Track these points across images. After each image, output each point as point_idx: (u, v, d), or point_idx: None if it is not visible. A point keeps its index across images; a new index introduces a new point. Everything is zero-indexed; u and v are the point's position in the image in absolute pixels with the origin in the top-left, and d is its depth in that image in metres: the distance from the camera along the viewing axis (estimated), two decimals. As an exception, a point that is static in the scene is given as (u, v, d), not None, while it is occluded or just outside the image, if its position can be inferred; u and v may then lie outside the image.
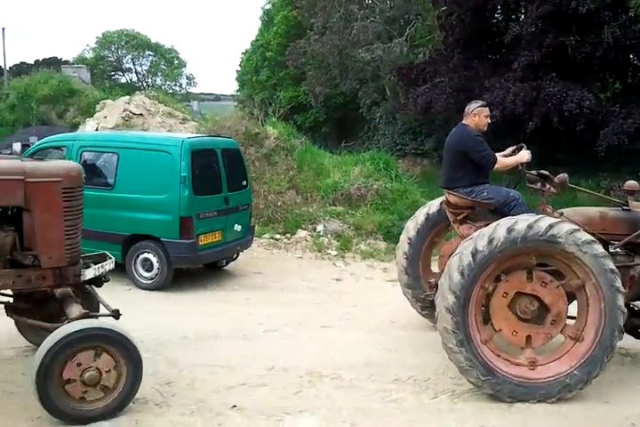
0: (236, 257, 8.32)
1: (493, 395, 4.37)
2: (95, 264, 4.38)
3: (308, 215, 9.78)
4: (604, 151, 17.83)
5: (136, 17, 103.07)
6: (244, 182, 8.40)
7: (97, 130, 12.70)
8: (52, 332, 3.84)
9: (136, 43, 50.21)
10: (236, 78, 41.84)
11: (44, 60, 47.14)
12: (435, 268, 5.98)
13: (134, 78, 52.49)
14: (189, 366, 4.83)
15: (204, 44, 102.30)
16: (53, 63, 37.08)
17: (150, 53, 51.59)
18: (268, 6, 37.01)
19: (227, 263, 8.44)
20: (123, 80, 51.74)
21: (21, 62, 50.66)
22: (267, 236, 9.52)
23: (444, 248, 5.69)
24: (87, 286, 4.45)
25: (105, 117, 13.13)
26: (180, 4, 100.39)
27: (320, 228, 9.68)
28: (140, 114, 12.89)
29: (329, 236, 9.56)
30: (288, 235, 9.62)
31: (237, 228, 7.93)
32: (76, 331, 3.70)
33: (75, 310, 4.01)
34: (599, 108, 18.32)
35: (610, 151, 17.72)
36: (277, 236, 9.58)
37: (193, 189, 7.23)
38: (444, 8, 21.34)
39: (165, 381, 4.53)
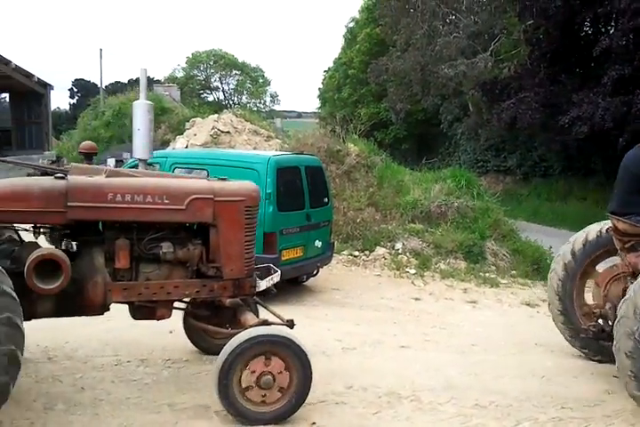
0: (317, 273, 8.42)
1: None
2: (266, 276, 4.74)
3: (386, 233, 9.78)
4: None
5: (224, 37, 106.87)
6: (326, 199, 8.51)
7: (186, 147, 13.22)
8: (227, 337, 4.37)
9: (224, 62, 52.00)
10: (318, 96, 42.56)
11: (137, 79, 49.34)
12: (588, 294, 5.85)
13: (221, 96, 54.31)
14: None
15: (287, 62, 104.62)
16: (146, 82, 38.75)
17: (237, 72, 53.26)
18: (352, 24, 37.50)
19: (307, 279, 8.55)
20: (210, 98, 53.64)
21: (116, 81, 53.54)
22: (345, 252, 9.58)
23: (601, 276, 5.54)
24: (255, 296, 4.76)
25: (194, 135, 13.67)
26: (266, 24, 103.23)
27: (399, 245, 9.65)
28: (228, 131, 13.34)
29: (408, 254, 9.51)
30: (367, 252, 9.65)
31: (318, 244, 8.03)
32: (256, 336, 3.97)
33: (251, 317, 4.38)
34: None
35: None
36: (356, 253, 9.63)
37: (277, 206, 7.41)
38: (531, 22, 20.93)
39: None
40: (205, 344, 5.25)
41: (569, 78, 21.68)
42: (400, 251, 9.59)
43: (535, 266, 9.72)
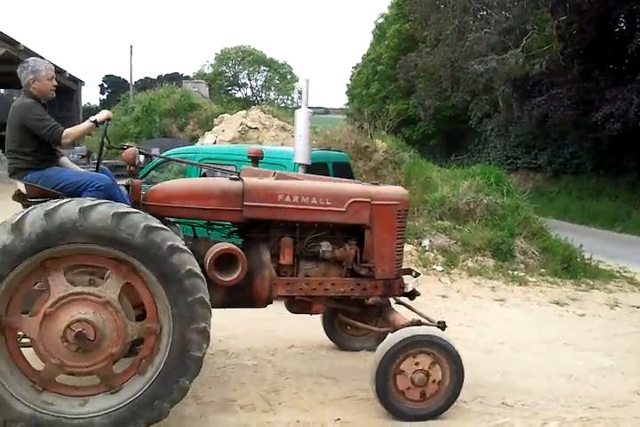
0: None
1: None
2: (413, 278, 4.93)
3: (413, 229, 9.70)
4: None
5: (253, 34, 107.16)
6: (353, 196, 8.47)
7: (215, 143, 13.31)
8: (366, 334, 5.27)
9: (252, 58, 52.24)
10: (346, 92, 42.51)
11: (166, 75, 50.02)
12: None
13: (249, 93, 54.55)
14: (296, 376, 4.93)
15: (315, 58, 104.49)
16: (175, 78, 39.22)
17: (265, 68, 53.45)
18: (381, 20, 37.34)
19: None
20: (238, 95, 53.94)
21: (146, 77, 54.05)
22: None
23: None
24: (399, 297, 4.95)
25: (223, 131, 13.73)
26: (294, 20, 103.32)
27: (426, 242, 9.57)
28: (256, 128, 13.37)
29: (435, 251, 9.43)
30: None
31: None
32: (414, 335, 4.17)
33: (400, 317, 4.60)
34: None
35: None
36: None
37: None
38: (564, 17, 20.59)
39: (272, 389, 4.65)
40: (341, 340, 5.59)
41: (602, 75, 21.29)
42: (427, 248, 9.51)
43: (565, 264, 9.55)
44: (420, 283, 8.37)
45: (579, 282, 9.22)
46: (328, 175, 7.98)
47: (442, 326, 4.50)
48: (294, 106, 50.12)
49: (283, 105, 45.62)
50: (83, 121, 4.47)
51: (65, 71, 24.65)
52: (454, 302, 7.66)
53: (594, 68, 21.55)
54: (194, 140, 18.31)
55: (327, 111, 48.90)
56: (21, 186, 4.18)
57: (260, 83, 54.43)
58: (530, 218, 10.62)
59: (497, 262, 9.37)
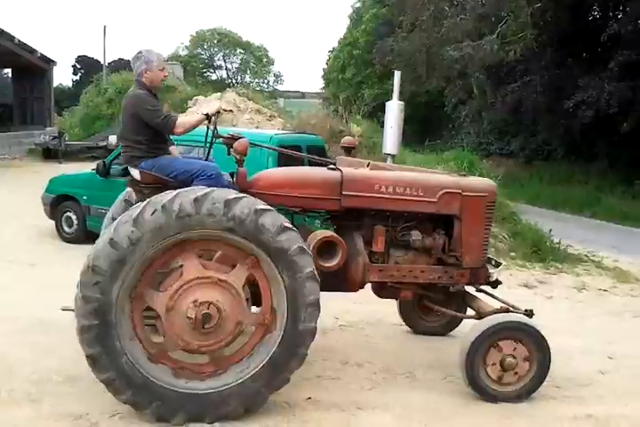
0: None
1: None
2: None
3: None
4: None
5: (228, 16, 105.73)
6: (327, 180, 8.49)
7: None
8: (440, 320, 5.64)
9: (228, 41, 51.56)
10: (322, 76, 42.29)
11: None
12: None
13: (225, 75, 53.96)
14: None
15: (292, 42, 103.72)
16: (149, 60, 38.39)
17: (241, 51, 52.84)
18: (358, 4, 37.15)
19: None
20: (214, 77, 53.28)
21: (119, 58, 52.95)
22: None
23: None
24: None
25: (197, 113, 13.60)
26: (271, 3, 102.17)
27: (399, 227, 9.64)
28: (231, 110, 13.29)
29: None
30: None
31: (318, 223, 8.03)
32: (505, 321, 4.35)
33: (486, 304, 4.81)
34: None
35: None
36: (357, 233, 9.59)
37: (278, 184, 7.38)
38: (539, 5, 20.70)
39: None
40: (415, 324, 5.83)
41: (575, 62, 21.53)
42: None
43: (535, 248, 9.70)
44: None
45: (547, 266, 9.38)
46: (302, 159, 8.00)
47: (529, 313, 4.63)
48: (270, 89, 49.84)
49: (258, 88, 45.20)
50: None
51: (36, 51, 24.12)
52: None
53: (567, 56, 21.78)
54: (168, 122, 18.08)
55: (303, 95, 48.58)
56: (135, 173, 4.36)
57: (235, 65, 53.86)
58: (501, 203, 10.72)
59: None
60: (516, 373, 4.35)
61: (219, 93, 14.68)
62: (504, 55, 22.79)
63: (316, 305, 3.84)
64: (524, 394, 4.40)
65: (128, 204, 4.56)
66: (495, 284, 4.94)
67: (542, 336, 4.36)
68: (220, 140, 4.58)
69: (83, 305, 3.55)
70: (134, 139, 4.31)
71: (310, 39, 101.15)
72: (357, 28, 35.13)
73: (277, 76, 54.00)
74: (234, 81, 51.44)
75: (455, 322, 5.72)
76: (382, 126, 17.59)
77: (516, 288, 7.99)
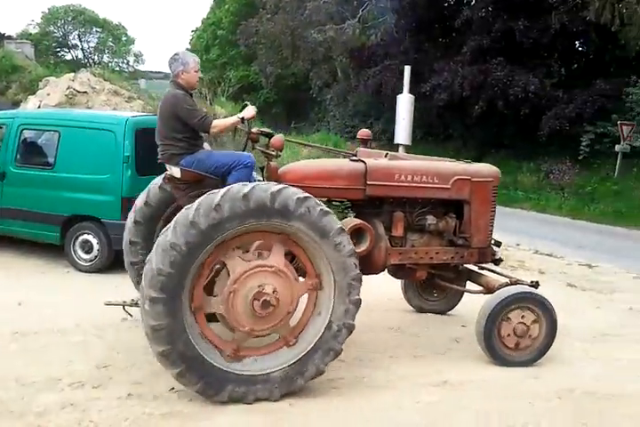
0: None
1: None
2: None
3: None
4: (546, 135, 18.31)
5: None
6: (189, 163, 8.29)
7: (39, 107, 12.32)
8: (442, 299, 6.09)
9: (83, 19, 48.44)
10: (186, 56, 40.99)
11: (-14, 33, 45.08)
12: None
13: (80, 55, 50.84)
14: (128, 350, 4.78)
15: (153, 20, 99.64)
16: (-6, 37, 35.47)
17: (98, 30, 49.96)
18: (221, -17, 36.29)
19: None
20: (68, 57, 49.98)
21: (-40, 35, 48.39)
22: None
23: None
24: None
25: (48, 95, 12.76)
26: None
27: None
28: (85, 92, 12.56)
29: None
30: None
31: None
32: (514, 293, 4.75)
33: (493, 279, 5.17)
34: (543, 93, 18.77)
35: (552, 135, 18.23)
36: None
37: (136, 170, 7.07)
38: (397, -10, 21.38)
39: (102, 364, 4.49)
40: (419, 304, 6.18)
41: (432, 47, 22.48)
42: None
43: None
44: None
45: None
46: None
47: (535, 284, 5.01)
48: (131, 70, 47.71)
49: (117, 69, 43.12)
50: None
51: None
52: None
53: (424, 41, 22.68)
54: (16, 104, 16.81)
55: (167, 76, 47.07)
56: (175, 170, 4.53)
57: (92, 44, 50.88)
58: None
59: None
60: (526, 338, 4.77)
61: (72, 74, 13.79)
62: (365, 39, 23.38)
63: (359, 279, 4.15)
64: (533, 358, 4.85)
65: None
66: (498, 261, 5.38)
67: (549, 303, 4.80)
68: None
69: (155, 277, 3.71)
70: (174, 136, 4.47)
71: (172, 18, 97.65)
72: (221, 7, 34.42)
73: (138, 56, 51.70)
74: (90, 61, 48.64)
75: (455, 301, 6.13)
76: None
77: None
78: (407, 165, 4.98)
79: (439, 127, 22.95)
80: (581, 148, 18.05)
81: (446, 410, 4.03)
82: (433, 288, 6.07)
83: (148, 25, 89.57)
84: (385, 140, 25.70)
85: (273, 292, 3.97)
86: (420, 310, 6.17)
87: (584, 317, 6.39)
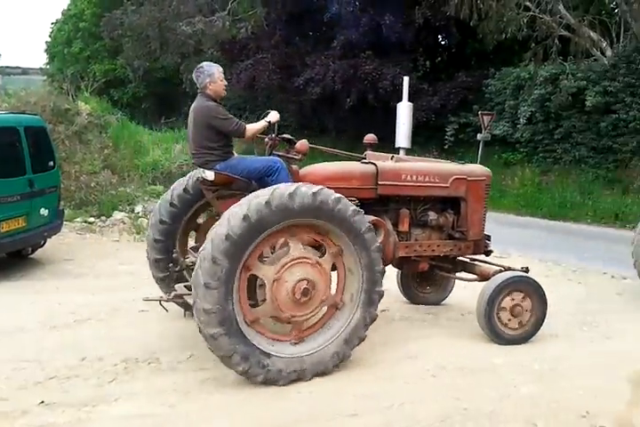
0: (44, 244, 7.80)
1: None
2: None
3: (125, 196, 9.37)
4: (413, 127, 19.08)
5: None
6: (52, 163, 7.88)
7: None
8: (431, 292, 6.54)
9: None
10: (46, 50, 38.52)
11: None
12: None
13: None
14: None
15: (8, 12, 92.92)
16: None
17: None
18: (80, -27, 34.40)
19: (33, 251, 7.91)
20: None
21: None
22: (79, 219, 8.97)
23: None
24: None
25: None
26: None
27: (139, 208, 9.33)
28: None
29: (148, 217, 9.23)
30: (103, 217, 9.14)
31: (44, 212, 7.41)
32: (510, 277, 5.22)
33: (486, 267, 5.62)
34: (410, 86, 19.48)
35: (419, 126, 19.01)
36: (91, 219, 9.06)
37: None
38: (265, -17, 21.31)
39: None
40: (413, 296, 6.55)
41: (303, 41, 22.65)
42: (140, 214, 9.27)
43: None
44: (136, 249, 8.16)
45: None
46: (19, 141, 7.27)
47: (526, 270, 5.48)
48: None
49: (-30, 63, 39.80)
50: None
51: None
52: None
53: (295, 35, 22.80)
54: None
55: (25, 71, 43.98)
56: (209, 174, 4.77)
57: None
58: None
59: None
60: (522, 318, 5.23)
61: None
62: (236, 32, 23.14)
63: (383, 272, 4.62)
64: (528, 335, 5.31)
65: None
66: (489, 252, 5.85)
67: (540, 286, 5.29)
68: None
69: (210, 265, 4.01)
70: (209, 145, 4.73)
71: (31, 10, 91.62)
72: (82, -2, 32.66)
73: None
74: (-62, 54, 44.56)
75: (446, 293, 6.57)
76: (114, 104, 16.80)
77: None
78: (412, 167, 5.47)
79: (314, 120, 23.24)
80: (446, 137, 19.05)
81: (325, 396, 4.10)
82: (426, 281, 6.52)
83: (3, 19, 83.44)
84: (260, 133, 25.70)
85: (311, 281, 4.35)
86: (414, 302, 6.53)
87: (452, 296, 6.72)
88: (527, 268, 5.58)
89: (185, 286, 5.07)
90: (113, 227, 8.93)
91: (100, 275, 7.23)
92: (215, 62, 5.14)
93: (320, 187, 4.34)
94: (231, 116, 4.77)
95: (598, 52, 16.70)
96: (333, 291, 4.63)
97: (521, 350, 5.15)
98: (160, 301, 5.08)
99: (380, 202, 5.29)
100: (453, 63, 21.83)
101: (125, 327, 5.44)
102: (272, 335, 4.42)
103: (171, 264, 5.35)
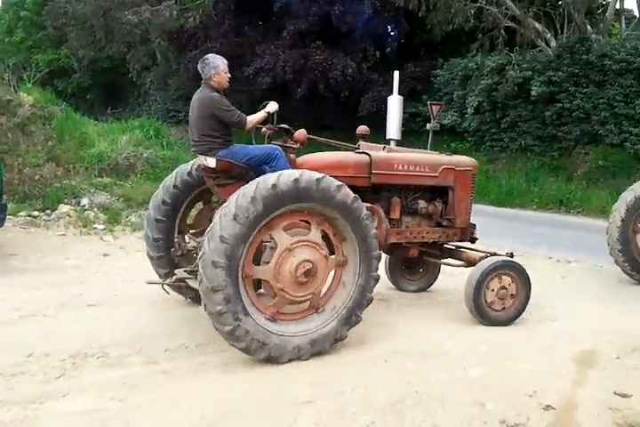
0: (-14, 240, 7.54)
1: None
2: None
3: (70, 189, 9.12)
4: (365, 117, 19.19)
5: None
6: (-8, 156, 7.61)
7: None
8: (418, 279, 6.78)
9: None
10: (-15, 39, 37.16)
11: None
12: None
13: None
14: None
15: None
16: None
17: None
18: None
19: (-25, 247, 7.60)
20: None
21: None
22: (23, 213, 8.68)
23: None
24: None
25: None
26: None
27: (85, 201, 9.10)
28: None
29: (95, 209, 9.02)
30: (48, 211, 8.87)
31: None
32: (495, 262, 5.47)
33: (473, 253, 5.88)
34: (360, 76, 19.59)
35: (370, 116, 19.12)
36: (35, 213, 8.78)
37: None
38: (213, -28, 21.00)
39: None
40: (400, 283, 6.76)
41: (252, 31, 22.44)
42: (87, 207, 9.05)
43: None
44: (84, 242, 8.03)
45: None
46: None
47: (511, 254, 5.79)
48: None
49: None
50: None
51: None
52: (117, 260, 7.46)
53: (244, 24, 22.58)
54: None
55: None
56: (211, 161, 4.94)
57: None
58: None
59: (161, 215, 9.42)
60: (507, 300, 5.51)
61: None
62: (184, 22, 22.75)
63: (379, 257, 4.80)
64: (514, 316, 5.58)
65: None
66: (475, 239, 6.10)
67: (524, 269, 5.57)
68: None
69: (218, 243, 4.17)
70: (212, 134, 4.90)
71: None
72: (22, -14, 31.53)
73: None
74: None
75: (432, 280, 6.82)
76: (58, 94, 16.30)
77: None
78: (403, 157, 5.70)
79: (264, 110, 23.06)
80: (397, 127, 19.17)
81: (278, 383, 4.11)
82: (414, 269, 6.76)
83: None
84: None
85: (313, 263, 4.51)
86: (403, 290, 6.73)
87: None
88: (512, 253, 5.87)
89: (185, 271, 5.30)
90: (58, 220, 8.68)
91: (46, 270, 7.02)
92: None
93: (323, 175, 4.51)
94: (233, 107, 4.92)
95: (543, 43, 17.08)
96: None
97: (470, 333, 5.28)
98: (162, 284, 5.39)
99: (372, 190, 5.49)
100: (403, 54, 21.99)
101: (73, 322, 5.29)
102: (273, 314, 4.56)
103: (173, 249, 5.58)
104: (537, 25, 17.03)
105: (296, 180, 4.36)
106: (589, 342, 5.08)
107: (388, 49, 23.20)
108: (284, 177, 4.35)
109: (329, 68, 19.16)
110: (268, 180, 4.33)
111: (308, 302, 4.73)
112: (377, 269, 4.79)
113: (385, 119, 18.99)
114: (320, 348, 4.58)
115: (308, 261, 4.52)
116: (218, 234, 4.19)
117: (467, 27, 16.69)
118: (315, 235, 4.62)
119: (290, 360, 4.45)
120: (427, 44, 21.87)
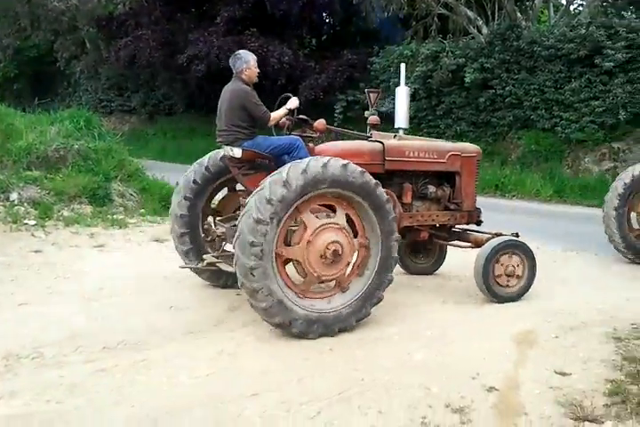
0: None
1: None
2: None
3: (-2, 183, 8.70)
4: (303, 105, 19.10)
5: None
6: None
7: None
8: (427, 262, 7.06)
9: None
10: None
11: None
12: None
13: None
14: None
15: None
16: None
17: None
18: None
19: None
20: None
21: None
22: (-53, 210, 8.24)
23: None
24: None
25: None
26: None
27: (14, 196, 8.69)
28: None
29: (25, 204, 8.61)
30: (-25, 207, 8.45)
31: None
32: (503, 241, 5.76)
33: (479, 235, 6.20)
34: (297, 64, 19.46)
35: (308, 104, 19.03)
36: (-41, 210, 8.35)
37: None
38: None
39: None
40: (408, 265, 7.01)
41: (185, 18, 21.95)
42: (16, 202, 8.64)
43: (163, 203, 9.80)
44: (14, 239, 7.68)
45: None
46: None
47: (516, 235, 6.04)
48: None
49: None
50: None
51: None
52: (50, 256, 7.13)
53: (177, 11, 22.05)
54: None
55: None
56: (237, 151, 5.24)
57: None
58: (125, 160, 10.54)
59: (95, 208, 9.11)
60: (514, 277, 5.78)
61: None
62: (113, 8, 22.05)
63: (398, 239, 5.09)
64: (522, 292, 5.87)
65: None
66: (480, 222, 6.37)
67: (530, 249, 5.88)
68: None
69: (254, 225, 4.46)
70: (240, 124, 5.20)
71: None
72: None
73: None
74: None
75: (439, 263, 7.04)
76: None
77: (147, 244, 7.99)
78: (413, 144, 6.02)
79: (201, 99, 22.67)
80: (335, 115, 19.19)
81: (223, 377, 4.05)
82: (421, 252, 7.01)
83: None
84: (145, 113, 24.79)
85: (340, 244, 4.78)
86: (410, 272, 6.98)
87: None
88: (517, 233, 6.14)
89: (213, 256, 5.67)
90: (-14, 216, 8.27)
91: (-26, 269, 6.67)
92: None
93: (347, 161, 4.78)
94: (262, 103, 5.19)
95: (475, 30, 17.36)
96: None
97: (413, 317, 5.32)
98: (192, 268, 5.84)
99: (386, 177, 5.71)
100: (339, 41, 21.97)
101: (4, 322, 5.04)
102: (304, 292, 4.86)
103: (203, 235, 5.91)
104: (469, 12, 17.29)
105: (324, 165, 4.64)
106: (529, 322, 5.20)
107: (324, 36, 23.16)
108: (313, 163, 4.65)
109: (265, 56, 18.91)
110: (298, 165, 4.62)
111: (334, 282, 5.01)
112: (397, 251, 5.07)
113: (326, 106, 19.02)
114: (347, 324, 4.87)
115: (335, 242, 4.78)
116: (254, 216, 4.48)
117: (401, 14, 16.79)
118: (340, 218, 4.90)
119: (320, 336, 4.75)
120: (362, 32, 21.91)
